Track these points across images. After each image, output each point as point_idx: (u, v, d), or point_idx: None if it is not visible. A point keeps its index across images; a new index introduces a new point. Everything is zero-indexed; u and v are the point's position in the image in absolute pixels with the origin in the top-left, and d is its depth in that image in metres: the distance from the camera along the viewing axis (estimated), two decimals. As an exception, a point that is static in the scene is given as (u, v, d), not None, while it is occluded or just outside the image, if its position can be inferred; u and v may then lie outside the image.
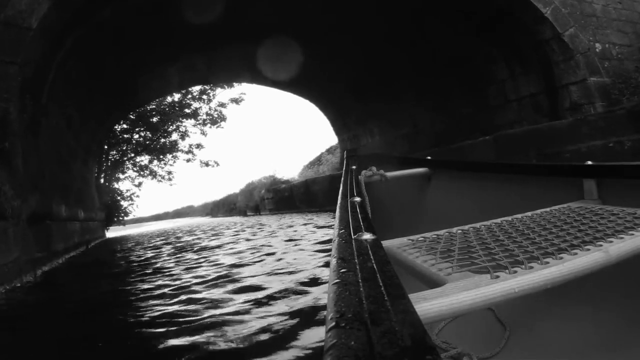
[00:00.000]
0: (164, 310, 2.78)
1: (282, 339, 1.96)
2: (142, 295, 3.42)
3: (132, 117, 17.06)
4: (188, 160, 20.84)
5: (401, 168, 2.19)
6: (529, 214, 1.18)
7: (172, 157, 20.67)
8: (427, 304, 0.59)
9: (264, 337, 2.02)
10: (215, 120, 19.94)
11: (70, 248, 7.64)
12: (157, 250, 7.65)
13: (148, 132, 19.40)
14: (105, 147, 16.86)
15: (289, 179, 22.32)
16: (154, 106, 17.73)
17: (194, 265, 4.92)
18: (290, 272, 3.69)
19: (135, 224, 57.24)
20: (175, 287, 3.62)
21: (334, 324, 0.37)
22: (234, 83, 18.15)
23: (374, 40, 10.32)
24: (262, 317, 2.36)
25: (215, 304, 2.81)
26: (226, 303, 2.81)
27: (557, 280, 0.70)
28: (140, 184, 19.97)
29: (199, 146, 20.86)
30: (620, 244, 0.81)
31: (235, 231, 10.91)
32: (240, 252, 5.91)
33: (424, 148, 10.79)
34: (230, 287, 3.35)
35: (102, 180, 16.05)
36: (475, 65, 9.47)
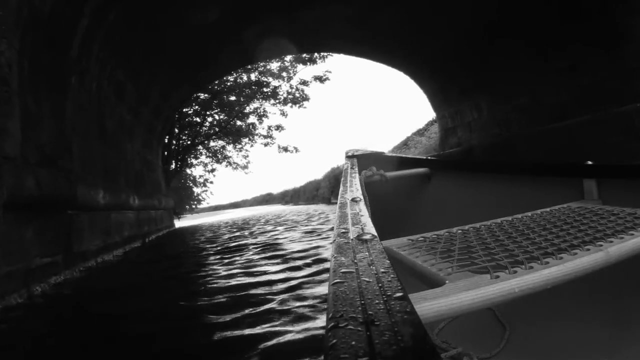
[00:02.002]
0: None
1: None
2: None
3: (203, 96, 15.71)
4: (266, 145, 19.26)
5: (401, 168, 2.18)
6: (529, 214, 1.18)
7: (249, 140, 19.20)
8: (427, 304, 0.59)
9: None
10: (297, 99, 18.01)
11: (115, 245, 6.01)
12: (243, 254, 5.12)
13: (222, 114, 18.07)
14: (176, 130, 15.77)
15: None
16: (229, 84, 16.17)
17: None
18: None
19: (213, 211, 58.45)
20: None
21: (334, 324, 0.36)
22: (316, 54, 16.04)
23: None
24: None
25: None
26: None
27: (557, 280, 0.70)
28: (213, 170, 18.85)
29: (278, 128, 19.14)
30: (620, 244, 0.81)
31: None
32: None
33: (545, 122, 8.41)
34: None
35: (172, 166, 14.97)
36: (609, 19, 7.19)
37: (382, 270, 0.49)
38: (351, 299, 0.41)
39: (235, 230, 9.59)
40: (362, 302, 0.40)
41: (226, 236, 8.18)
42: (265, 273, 3.70)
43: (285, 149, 19.68)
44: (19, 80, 3.97)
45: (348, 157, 2.29)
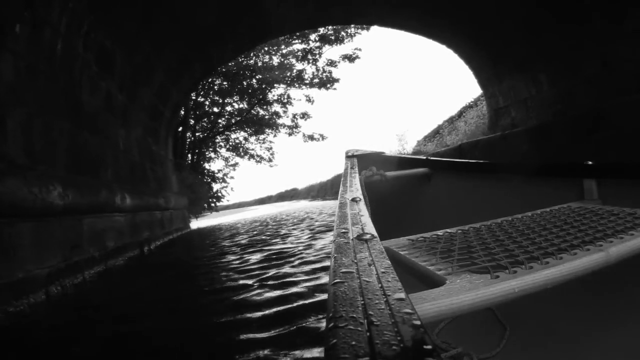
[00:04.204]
0: None
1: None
2: None
3: (219, 80, 14.09)
4: (290, 134, 17.49)
5: (401, 168, 2.19)
6: (529, 214, 1.19)
7: (273, 130, 17.47)
8: (427, 304, 0.59)
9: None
10: (324, 82, 16.12)
11: (89, 262, 4.35)
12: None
13: (243, 103, 16.41)
14: (191, 121, 14.22)
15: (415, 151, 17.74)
16: (250, 63, 14.45)
17: None
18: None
19: (236, 208, 57.09)
20: None
21: (333, 324, 0.36)
22: (343, 32, 14.19)
23: None
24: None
25: None
26: None
27: (557, 280, 0.69)
28: (235, 164, 17.23)
29: (304, 116, 17.35)
30: (620, 244, 0.81)
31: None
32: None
33: (621, 92, 6.49)
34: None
35: (188, 160, 13.42)
36: None
37: (382, 270, 0.49)
38: (351, 299, 0.41)
39: (264, 239, 6.77)
40: (362, 302, 0.40)
41: (254, 250, 5.37)
42: None
43: (311, 137, 17.92)
44: None
45: (348, 157, 2.27)
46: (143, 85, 7.59)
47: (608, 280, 1.05)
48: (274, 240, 6.27)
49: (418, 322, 0.35)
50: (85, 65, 5.24)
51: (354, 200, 1.03)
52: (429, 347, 0.31)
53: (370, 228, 0.71)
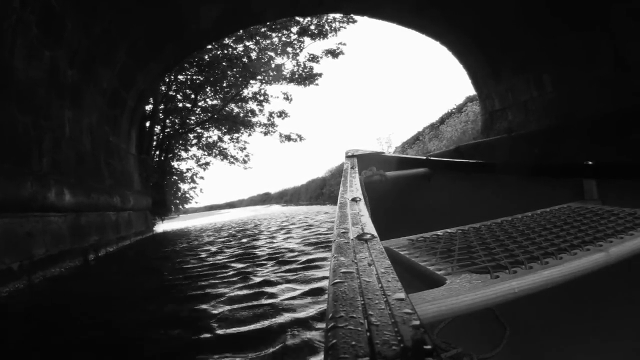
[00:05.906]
0: None
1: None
2: None
3: (192, 70, 12.97)
4: (266, 133, 16.47)
5: (401, 168, 2.19)
6: (529, 214, 1.18)
7: (248, 130, 16.40)
8: (427, 304, 0.58)
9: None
10: (305, 78, 15.23)
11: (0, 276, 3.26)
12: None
13: (216, 99, 15.28)
14: (161, 115, 13.02)
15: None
16: (227, 53, 13.41)
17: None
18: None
19: (208, 211, 55.17)
20: None
21: (334, 324, 0.36)
22: (335, 20, 13.41)
23: None
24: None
25: None
26: None
27: (557, 280, 0.69)
28: (207, 164, 16.02)
29: (282, 114, 16.34)
30: (620, 244, 0.80)
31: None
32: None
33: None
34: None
35: (155, 157, 12.20)
36: None
37: (382, 270, 0.48)
38: (351, 299, 0.40)
39: (234, 248, 5.68)
40: (362, 302, 0.40)
41: (224, 271, 3.94)
42: None
43: (288, 138, 16.95)
44: None
45: (348, 157, 2.28)
46: (100, 64, 6.47)
47: (608, 280, 1.02)
48: (247, 253, 5.17)
49: (418, 322, 0.35)
50: (21, 25, 4.16)
51: (354, 200, 1.03)
52: (429, 347, 0.31)
53: (370, 228, 0.71)
